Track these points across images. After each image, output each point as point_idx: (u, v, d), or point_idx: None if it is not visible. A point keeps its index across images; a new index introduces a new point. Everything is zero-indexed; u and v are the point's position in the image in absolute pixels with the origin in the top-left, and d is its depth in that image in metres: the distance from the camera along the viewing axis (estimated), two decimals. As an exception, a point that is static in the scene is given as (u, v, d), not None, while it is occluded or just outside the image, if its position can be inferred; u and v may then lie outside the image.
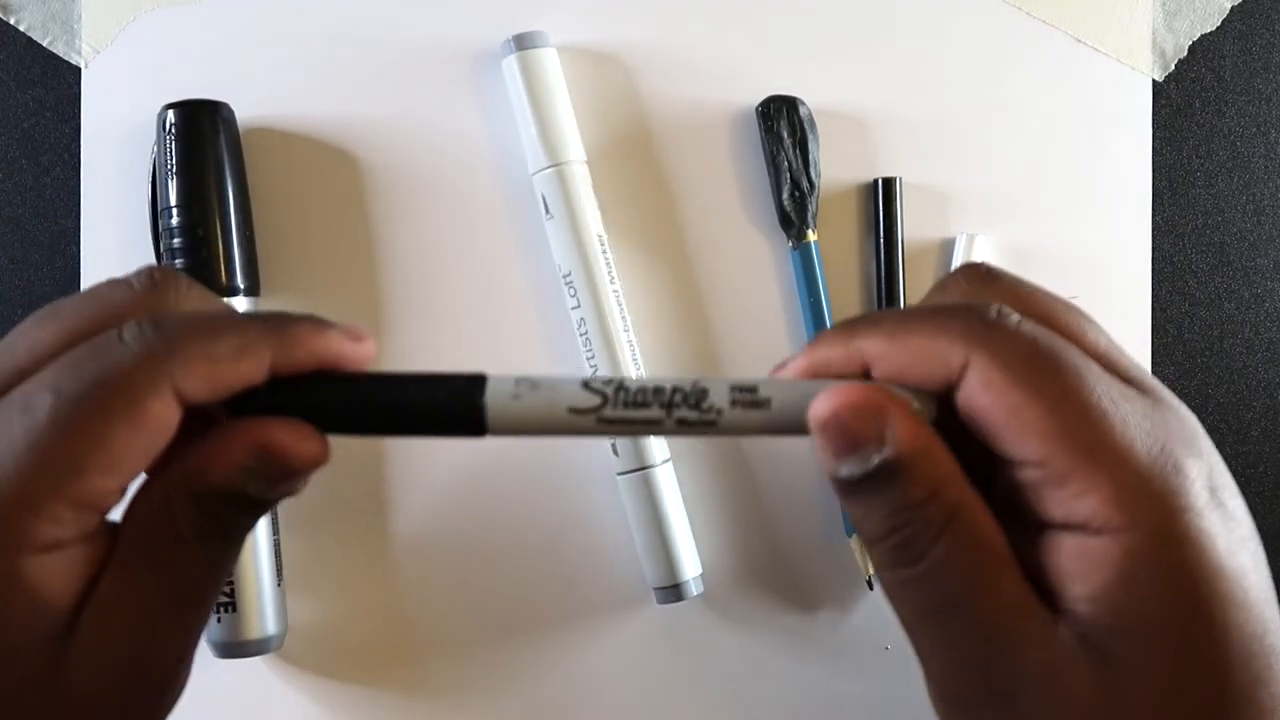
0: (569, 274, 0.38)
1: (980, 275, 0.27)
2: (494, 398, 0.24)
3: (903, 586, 0.26)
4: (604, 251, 0.38)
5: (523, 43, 0.38)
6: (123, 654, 0.25)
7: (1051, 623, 0.24)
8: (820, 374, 0.26)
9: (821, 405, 0.25)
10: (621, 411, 0.24)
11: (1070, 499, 0.24)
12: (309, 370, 0.25)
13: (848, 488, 0.25)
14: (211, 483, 0.25)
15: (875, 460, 0.24)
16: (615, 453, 0.38)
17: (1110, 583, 0.24)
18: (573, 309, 0.38)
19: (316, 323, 0.25)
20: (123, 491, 0.24)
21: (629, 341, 0.38)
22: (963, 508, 0.24)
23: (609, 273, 0.38)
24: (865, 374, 0.26)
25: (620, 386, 0.24)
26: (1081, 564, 0.24)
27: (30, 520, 0.23)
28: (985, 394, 0.24)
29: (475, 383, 0.24)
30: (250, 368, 0.24)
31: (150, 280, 0.25)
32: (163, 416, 0.23)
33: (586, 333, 0.38)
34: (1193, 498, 0.24)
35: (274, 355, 0.24)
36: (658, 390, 0.24)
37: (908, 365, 0.25)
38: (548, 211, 0.38)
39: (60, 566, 0.24)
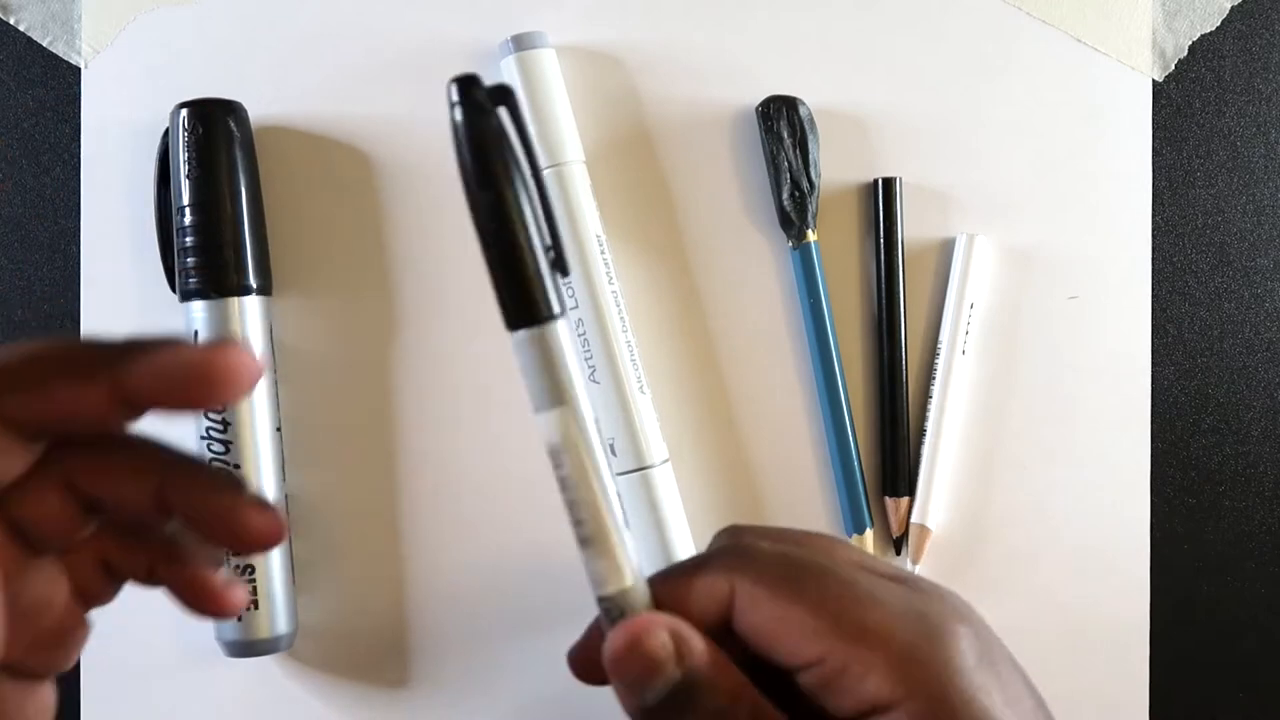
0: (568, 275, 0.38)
1: (730, 530, 0.30)
2: None
3: None
4: (602, 252, 0.38)
5: (521, 43, 0.38)
6: None
7: None
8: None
9: (618, 637, 0.26)
10: None
11: (854, 685, 0.25)
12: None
13: (654, 714, 0.26)
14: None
15: (679, 676, 0.26)
16: (613, 452, 0.38)
17: None
18: (570, 309, 0.38)
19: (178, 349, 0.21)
20: None
21: (628, 342, 0.38)
22: (761, 708, 0.26)
23: (608, 273, 0.38)
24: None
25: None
26: None
27: None
28: (753, 610, 0.26)
29: None
30: (80, 394, 0.21)
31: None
32: None
33: (585, 334, 0.38)
34: (961, 659, 0.26)
35: (120, 376, 0.21)
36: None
37: (686, 608, 0.27)
38: None
39: None
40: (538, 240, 0.25)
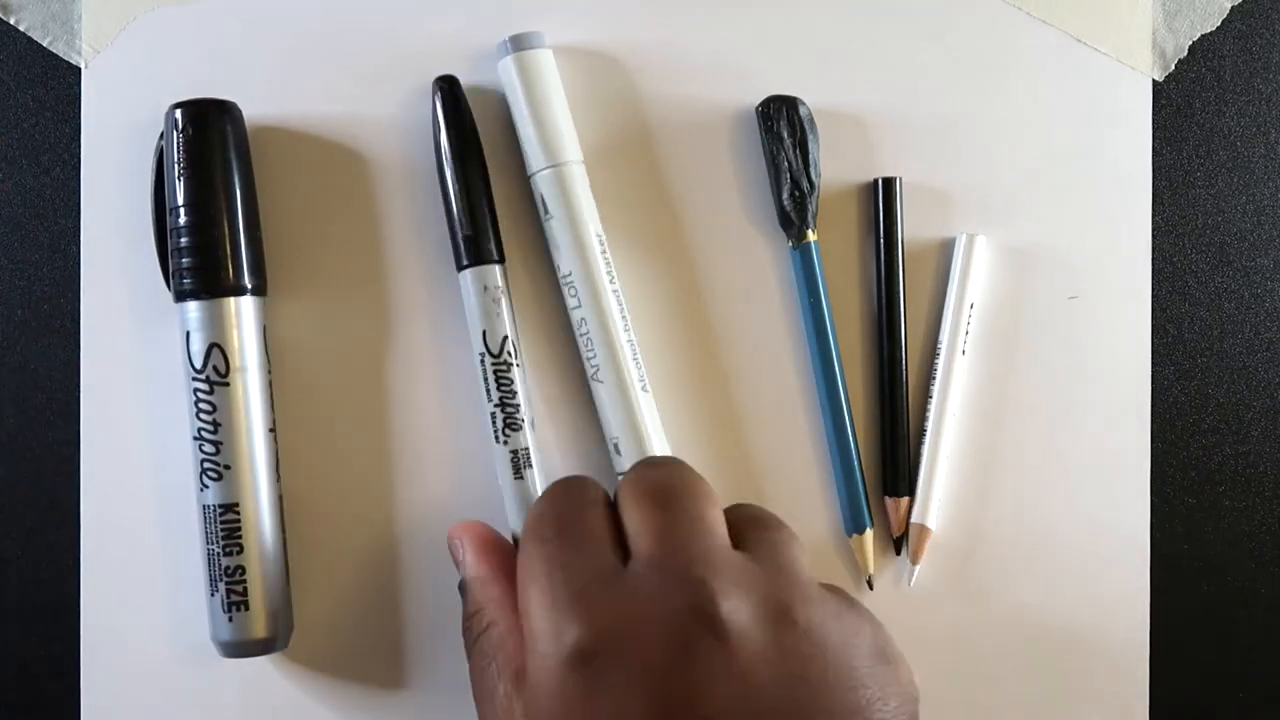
0: (569, 274, 0.38)
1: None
2: None
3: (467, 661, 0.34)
4: (603, 252, 0.38)
5: (519, 44, 0.38)
6: None
7: None
8: None
9: (450, 530, 0.37)
10: None
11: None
12: None
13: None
14: None
15: (460, 577, 0.36)
16: (618, 452, 0.38)
17: None
18: (573, 309, 0.38)
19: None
20: None
21: (629, 341, 0.38)
22: (493, 627, 0.33)
23: (609, 272, 0.38)
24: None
25: None
26: None
27: None
28: None
29: None
30: None
31: None
32: None
33: (587, 333, 0.38)
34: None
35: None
36: None
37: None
38: (546, 211, 0.38)
39: None
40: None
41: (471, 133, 0.38)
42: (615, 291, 0.38)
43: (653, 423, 0.38)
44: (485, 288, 0.38)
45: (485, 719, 0.32)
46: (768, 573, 0.30)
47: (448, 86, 0.38)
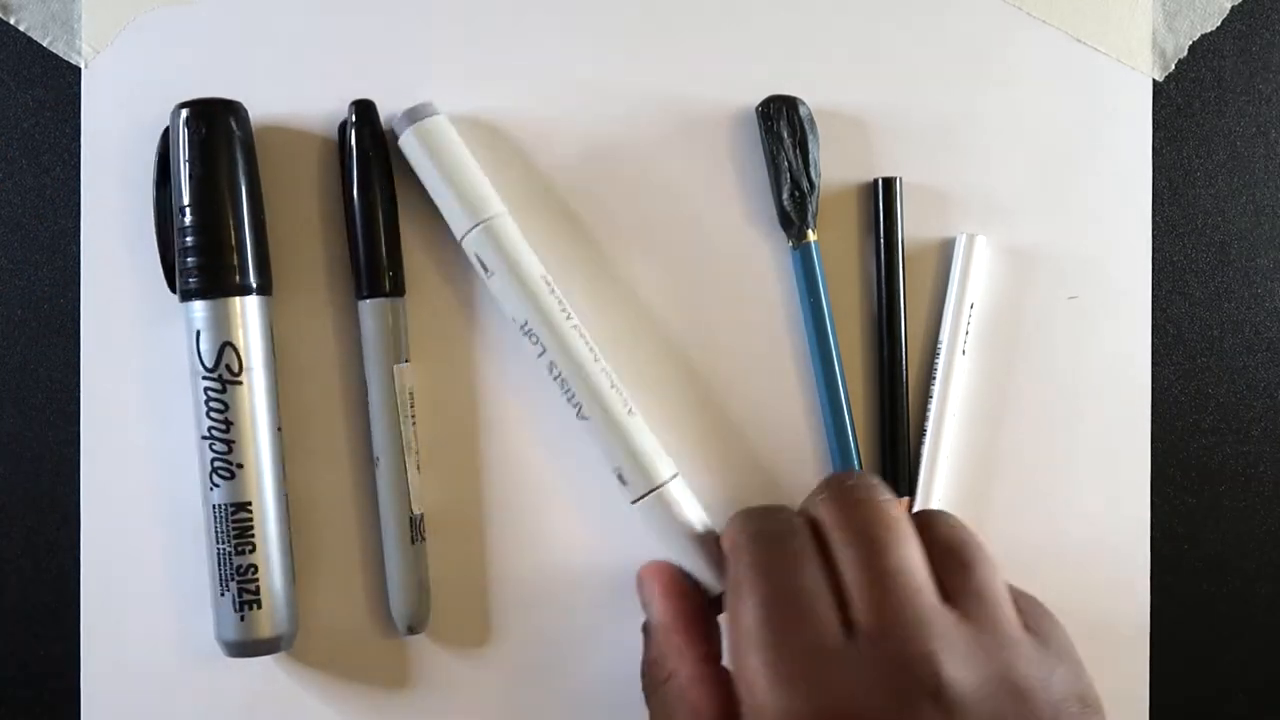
0: (525, 323, 0.37)
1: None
2: None
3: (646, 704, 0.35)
4: (553, 292, 0.37)
5: (414, 116, 0.38)
6: None
7: None
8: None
9: (642, 569, 0.37)
10: None
11: None
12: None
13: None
14: None
15: (644, 619, 0.36)
16: (623, 481, 0.37)
17: None
18: (539, 355, 0.38)
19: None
20: None
21: (604, 370, 0.37)
22: (675, 677, 0.33)
23: (564, 311, 0.37)
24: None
25: None
26: None
27: None
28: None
29: None
30: None
31: None
32: None
33: (560, 374, 0.37)
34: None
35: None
36: None
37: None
38: (486, 270, 0.37)
39: None
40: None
41: (383, 159, 0.38)
42: (576, 327, 0.37)
43: (648, 443, 0.37)
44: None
45: None
46: (984, 633, 0.30)
47: (363, 111, 0.38)
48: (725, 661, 0.34)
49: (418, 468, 0.39)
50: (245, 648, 0.37)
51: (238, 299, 0.37)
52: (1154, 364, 0.42)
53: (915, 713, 0.28)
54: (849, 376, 0.40)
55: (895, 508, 0.32)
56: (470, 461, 0.40)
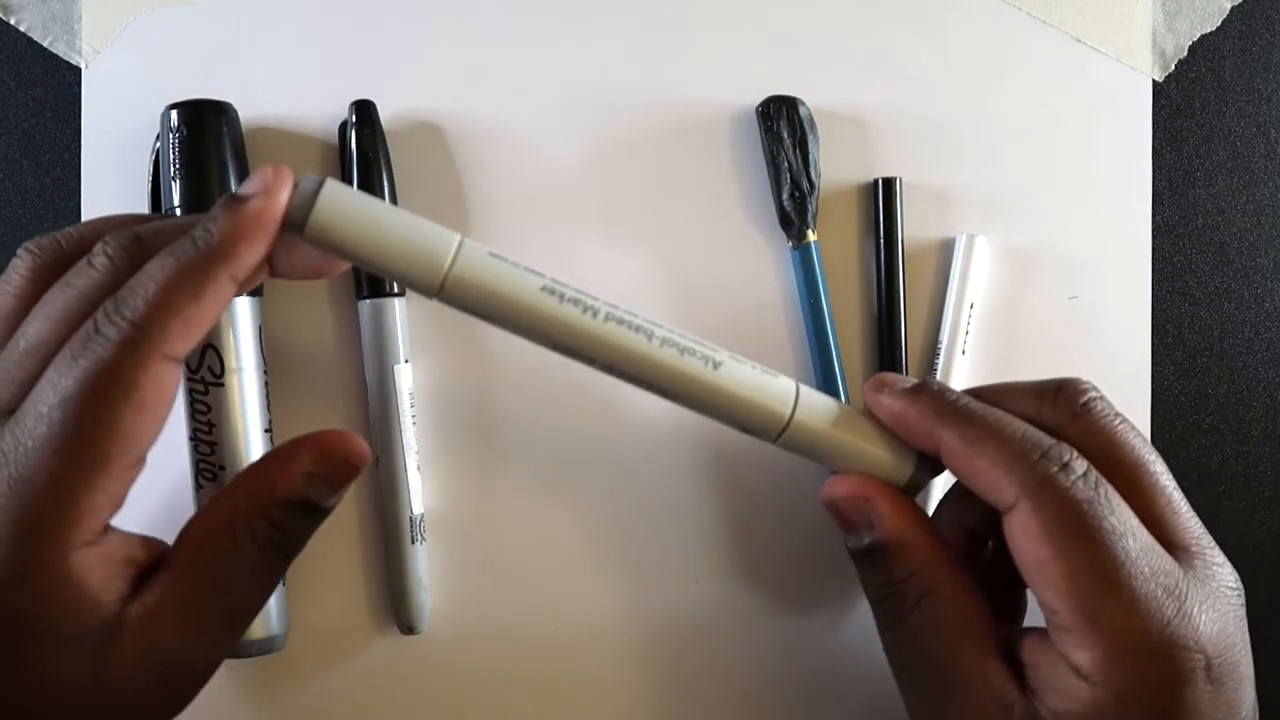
0: (558, 346, 0.31)
1: (1074, 402, 0.30)
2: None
3: (888, 643, 0.31)
4: (563, 299, 0.30)
5: (305, 196, 0.29)
6: (167, 658, 0.27)
7: (1012, 702, 0.28)
8: (898, 429, 0.31)
9: (827, 490, 0.32)
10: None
11: (1068, 644, 0.27)
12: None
13: (852, 555, 0.32)
14: (279, 494, 0.28)
15: (866, 540, 0.31)
16: (757, 432, 0.32)
17: (1078, 716, 0.27)
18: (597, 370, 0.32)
19: (236, 209, 0.27)
20: (142, 461, 0.27)
21: (662, 339, 0.32)
22: (937, 587, 0.29)
23: (588, 308, 0.31)
24: (935, 453, 0.30)
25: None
26: (1059, 684, 0.28)
27: (70, 516, 0.25)
28: (1021, 538, 0.28)
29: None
30: (215, 300, 0.26)
31: (107, 257, 0.27)
32: (159, 385, 0.26)
33: (625, 373, 0.32)
34: (1183, 677, 0.27)
35: (230, 268, 0.27)
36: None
37: (968, 478, 0.29)
38: (485, 315, 0.31)
39: (102, 564, 0.26)
40: None
41: (383, 159, 0.38)
42: (610, 317, 0.31)
43: (752, 382, 0.32)
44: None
45: (929, 684, 0.30)
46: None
47: (363, 111, 0.38)
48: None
49: (418, 468, 0.39)
50: (235, 649, 0.37)
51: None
52: (1154, 364, 0.41)
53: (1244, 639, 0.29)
54: (849, 376, 0.40)
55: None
56: (470, 461, 0.40)
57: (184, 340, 0.26)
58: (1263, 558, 0.42)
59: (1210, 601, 0.28)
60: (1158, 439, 0.41)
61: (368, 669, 0.40)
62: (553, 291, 0.30)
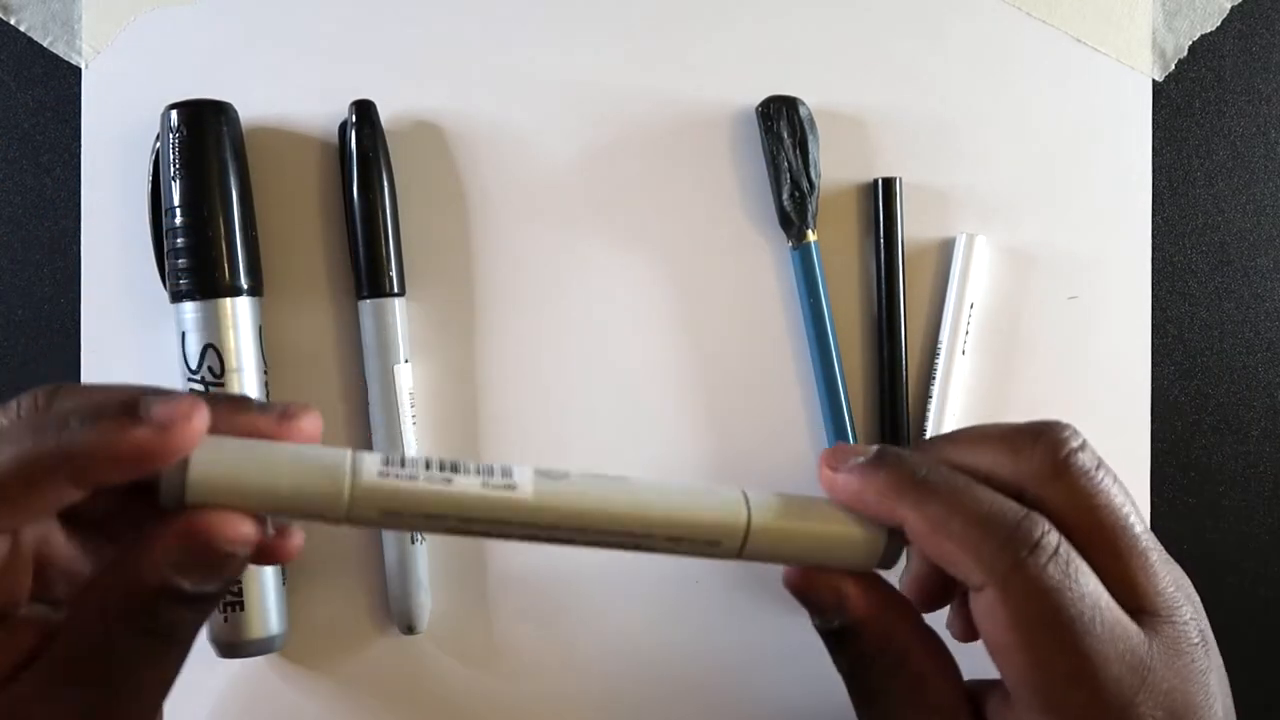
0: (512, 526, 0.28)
1: (1054, 455, 0.29)
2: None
3: (861, 716, 0.30)
4: (507, 478, 0.27)
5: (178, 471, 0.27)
6: None
7: None
8: (857, 508, 0.29)
9: (789, 576, 0.30)
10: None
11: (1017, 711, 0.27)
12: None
13: (820, 633, 0.30)
14: (144, 580, 0.25)
15: (835, 623, 0.29)
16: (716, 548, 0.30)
17: None
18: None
19: (115, 425, 0.24)
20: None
21: (612, 481, 0.29)
22: (908, 663, 0.29)
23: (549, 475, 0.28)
24: (899, 528, 0.29)
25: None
26: None
27: None
28: (988, 622, 0.27)
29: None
30: (48, 497, 0.24)
31: (16, 406, 0.26)
32: None
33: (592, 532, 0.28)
34: None
35: (75, 477, 0.24)
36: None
37: (935, 558, 0.28)
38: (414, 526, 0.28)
39: None
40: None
41: (383, 159, 0.38)
42: (562, 479, 0.28)
43: (702, 502, 0.29)
44: None
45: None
46: None
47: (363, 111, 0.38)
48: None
49: None
50: (235, 648, 0.37)
51: (227, 300, 0.37)
52: (1154, 364, 0.41)
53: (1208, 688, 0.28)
54: (849, 376, 0.40)
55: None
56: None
57: (6, 519, 0.24)
58: (1263, 558, 0.42)
59: (1175, 667, 0.28)
60: (1158, 439, 0.41)
61: (368, 669, 0.40)
62: (461, 471, 0.27)
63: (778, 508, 0.29)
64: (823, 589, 0.29)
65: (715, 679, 0.40)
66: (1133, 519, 0.29)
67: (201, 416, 0.25)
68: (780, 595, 0.40)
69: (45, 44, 0.40)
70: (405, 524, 0.27)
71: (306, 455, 0.26)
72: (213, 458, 0.25)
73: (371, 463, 0.26)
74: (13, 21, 0.40)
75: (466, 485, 0.27)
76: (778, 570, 0.40)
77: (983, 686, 0.30)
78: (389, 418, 0.38)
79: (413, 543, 0.38)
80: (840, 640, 0.30)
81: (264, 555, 0.27)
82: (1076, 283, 0.41)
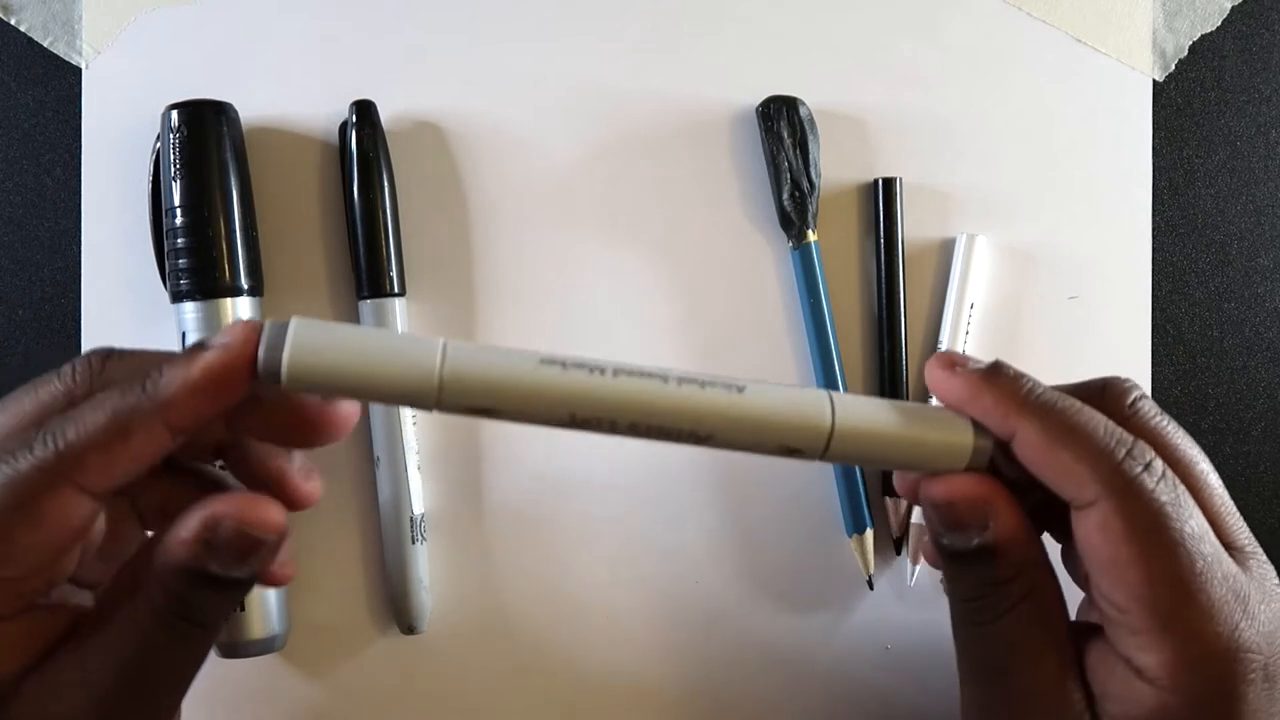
0: (573, 418, 0.28)
1: (1121, 402, 0.29)
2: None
3: (970, 640, 0.30)
4: (564, 367, 0.27)
5: (275, 342, 0.28)
6: None
7: (1081, 712, 0.28)
8: (967, 412, 0.29)
9: (940, 489, 0.29)
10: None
11: (1135, 647, 0.27)
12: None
13: (947, 554, 0.29)
14: (172, 561, 0.25)
15: (975, 541, 0.29)
16: (797, 453, 0.29)
17: None
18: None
19: (189, 360, 0.25)
20: (42, 578, 0.25)
21: (678, 380, 0.29)
22: (1038, 590, 0.29)
23: (596, 369, 0.28)
24: (1004, 439, 0.28)
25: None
26: (1119, 689, 0.27)
27: None
28: (1099, 537, 0.27)
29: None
30: (145, 446, 0.25)
31: (71, 372, 0.26)
32: (64, 513, 0.25)
33: (652, 428, 0.30)
34: (1246, 679, 0.27)
35: (168, 418, 0.25)
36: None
37: (1043, 469, 0.28)
38: (491, 413, 0.28)
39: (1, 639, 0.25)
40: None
41: (384, 159, 0.38)
42: (619, 373, 0.28)
43: (780, 401, 0.29)
44: None
45: (1004, 687, 0.29)
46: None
47: (363, 111, 0.38)
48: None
49: (418, 468, 0.39)
50: (235, 649, 0.37)
51: (228, 300, 0.37)
52: (1154, 364, 0.41)
53: None
54: (849, 376, 0.40)
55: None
56: (470, 461, 0.40)
57: (103, 477, 0.25)
58: (1263, 558, 0.42)
59: (1265, 602, 0.28)
60: (1158, 439, 0.41)
61: (368, 669, 0.40)
62: (552, 362, 0.27)
63: (865, 411, 0.29)
64: (974, 504, 0.28)
65: (717, 679, 0.40)
66: (1205, 462, 0.29)
67: (253, 327, 0.26)
68: (781, 595, 0.40)
69: (45, 44, 0.40)
70: (495, 401, 0.27)
71: (396, 334, 0.28)
72: (309, 334, 0.26)
73: (463, 342, 0.27)
74: (13, 21, 0.40)
75: (558, 374, 0.27)
76: (777, 570, 0.40)
77: (1077, 629, 0.30)
78: (389, 418, 0.38)
79: (413, 543, 0.38)
80: (970, 561, 0.29)
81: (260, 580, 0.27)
82: (1076, 283, 0.41)
